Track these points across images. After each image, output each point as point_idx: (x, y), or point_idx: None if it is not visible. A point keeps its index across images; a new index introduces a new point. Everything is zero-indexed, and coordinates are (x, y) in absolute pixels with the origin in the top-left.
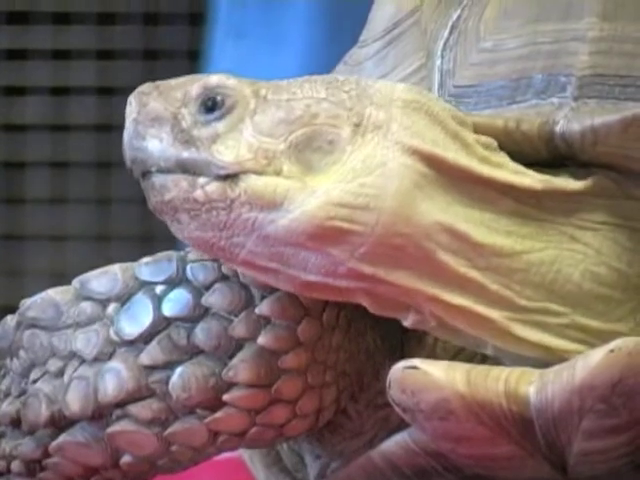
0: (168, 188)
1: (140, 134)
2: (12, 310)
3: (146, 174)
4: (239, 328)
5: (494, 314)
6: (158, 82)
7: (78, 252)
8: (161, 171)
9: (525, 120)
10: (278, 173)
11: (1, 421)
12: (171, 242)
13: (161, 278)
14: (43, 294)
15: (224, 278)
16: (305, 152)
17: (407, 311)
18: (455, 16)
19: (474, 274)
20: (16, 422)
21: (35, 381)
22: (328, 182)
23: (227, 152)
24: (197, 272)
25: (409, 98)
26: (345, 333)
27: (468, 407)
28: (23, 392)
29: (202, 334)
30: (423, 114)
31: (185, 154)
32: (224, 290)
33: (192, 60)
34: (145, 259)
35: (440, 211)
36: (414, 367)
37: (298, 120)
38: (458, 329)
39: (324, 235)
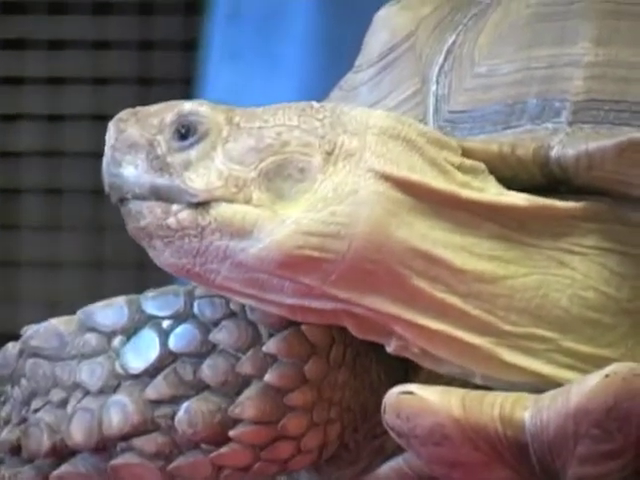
0: (143, 215)
1: (117, 160)
2: (6, 337)
3: (123, 200)
4: (246, 365)
5: (477, 340)
6: (138, 108)
7: (73, 279)
8: (136, 197)
9: (520, 145)
10: (248, 201)
11: (0, 448)
12: (165, 271)
13: (168, 313)
14: (46, 323)
15: (232, 315)
16: (275, 180)
17: (389, 336)
18: (450, 41)
19: (454, 300)
20: (16, 450)
21: (37, 410)
22: (298, 211)
23: (198, 179)
24: (204, 308)
25: (385, 125)
26: (351, 370)
27: (463, 432)
28: (24, 420)
29: (209, 370)
30: (400, 141)
31: (159, 181)
32: (231, 327)
33: (187, 86)
34: (151, 292)
35: (417, 237)
36: (409, 392)
37: (268, 148)
38: (442, 358)
39: (294, 264)
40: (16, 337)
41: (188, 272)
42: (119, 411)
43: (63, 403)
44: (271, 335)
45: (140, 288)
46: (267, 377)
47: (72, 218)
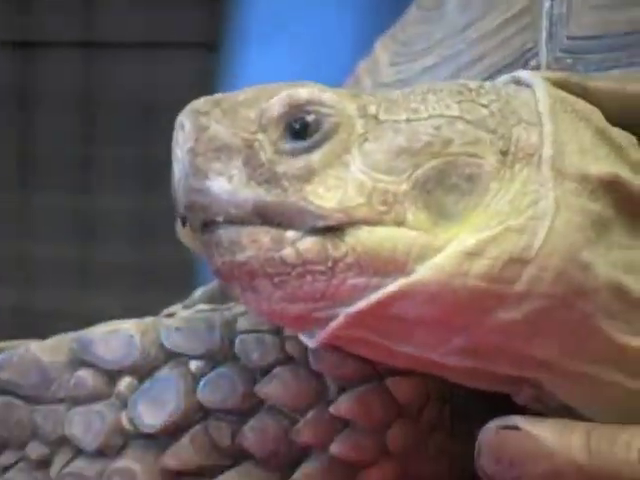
0: (242, 245)
1: (201, 170)
2: None
3: (209, 225)
4: (306, 431)
5: None
6: (219, 96)
7: None
8: (231, 221)
9: None
10: (400, 223)
11: None
12: None
13: (198, 350)
14: (22, 350)
15: (288, 360)
16: (436, 193)
17: (519, 385)
18: None
19: (637, 343)
20: None
21: (7, 468)
22: (465, 232)
23: (328, 195)
24: (250, 347)
25: (550, 101)
26: (448, 434)
27: None
28: None
29: (253, 434)
30: (577, 120)
31: (266, 198)
32: (287, 377)
33: (206, 51)
34: (176, 321)
35: (605, 261)
36: (514, 427)
37: (426, 149)
38: (593, 416)
39: (457, 301)
40: None
41: (301, 320)
42: None
43: (45, 463)
44: (342, 391)
45: None
46: (334, 447)
47: None
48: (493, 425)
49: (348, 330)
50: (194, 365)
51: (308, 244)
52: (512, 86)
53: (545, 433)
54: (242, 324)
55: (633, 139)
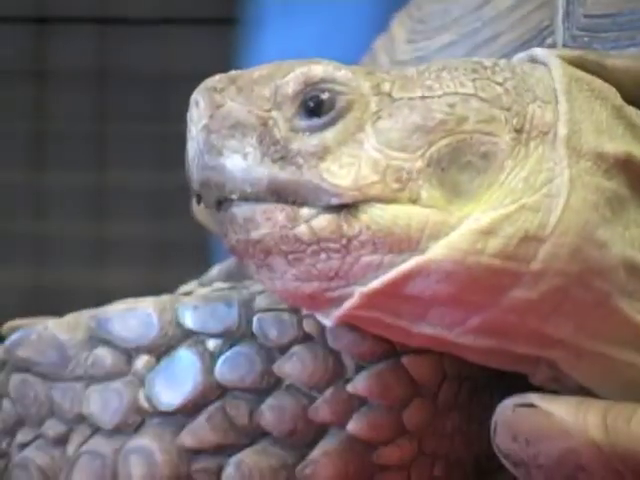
0: (256, 223)
1: (215, 147)
2: None
3: (223, 203)
4: (323, 409)
5: None
6: (234, 73)
7: None
8: (246, 199)
9: None
10: (415, 200)
11: None
12: None
13: (216, 329)
14: (41, 328)
15: (306, 338)
16: (450, 170)
17: (536, 365)
18: None
19: None
20: None
21: (24, 445)
22: (479, 210)
23: (342, 173)
24: (268, 326)
25: (566, 80)
26: (465, 412)
27: (606, 461)
28: (3, 455)
29: (271, 413)
30: (593, 99)
31: (281, 175)
32: (305, 355)
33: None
34: (193, 299)
35: (621, 240)
36: (530, 405)
37: (440, 126)
38: (608, 396)
39: (472, 280)
40: None
41: (314, 299)
42: (142, 461)
43: (62, 440)
44: (360, 369)
45: None
46: (351, 426)
47: None
48: (509, 403)
49: (363, 310)
50: (212, 344)
51: (322, 222)
52: (527, 64)
53: (560, 411)
54: (260, 302)
55: None
